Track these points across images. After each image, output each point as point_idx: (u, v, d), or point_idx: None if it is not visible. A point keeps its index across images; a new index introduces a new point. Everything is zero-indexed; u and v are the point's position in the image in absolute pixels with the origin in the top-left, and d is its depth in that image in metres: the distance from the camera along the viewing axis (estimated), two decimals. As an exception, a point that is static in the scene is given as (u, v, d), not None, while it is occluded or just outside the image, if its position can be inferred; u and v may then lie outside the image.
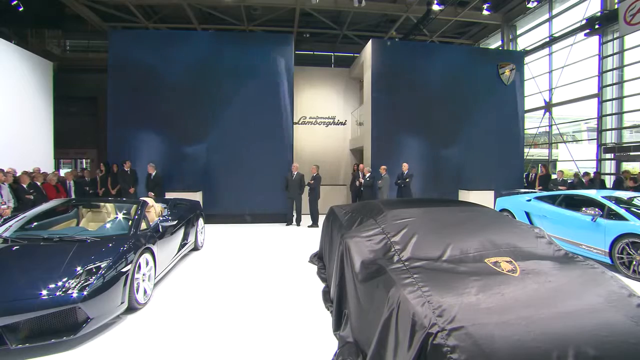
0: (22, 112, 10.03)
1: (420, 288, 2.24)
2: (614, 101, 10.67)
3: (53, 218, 4.71)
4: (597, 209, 5.45)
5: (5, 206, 6.28)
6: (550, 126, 12.99)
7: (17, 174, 7.24)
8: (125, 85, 9.42)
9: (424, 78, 10.68)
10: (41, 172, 8.16)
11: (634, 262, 4.86)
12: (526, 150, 12.04)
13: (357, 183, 9.18)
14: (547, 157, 13.60)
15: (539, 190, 9.01)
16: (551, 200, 6.62)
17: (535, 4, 12.22)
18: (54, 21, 12.51)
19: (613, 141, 10.76)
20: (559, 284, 2.32)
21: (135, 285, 3.64)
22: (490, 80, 11.08)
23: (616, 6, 9.91)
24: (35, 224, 4.34)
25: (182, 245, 5.35)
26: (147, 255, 3.97)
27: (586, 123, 12.80)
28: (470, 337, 1.80)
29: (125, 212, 4.69)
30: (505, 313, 1.99)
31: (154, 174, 8.72)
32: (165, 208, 5.58)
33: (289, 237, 7.94)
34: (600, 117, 10.93)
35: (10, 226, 4.03)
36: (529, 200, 6.98)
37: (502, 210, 7.53)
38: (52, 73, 11.49)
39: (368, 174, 9.26)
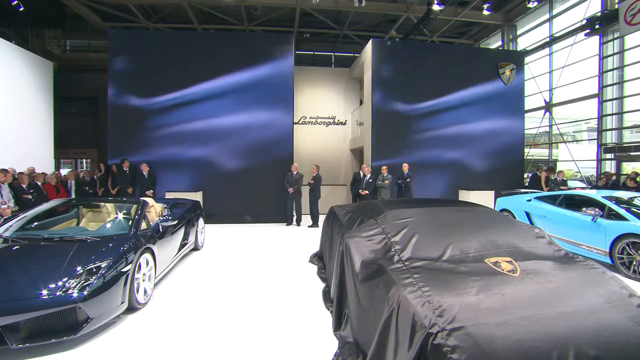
0: (22, 112, 10.03)
1: (420, 288, 2.24)
2: (614, 101, 10.67)
3: (53, 218, 4.71)
4: (597, 209, 5.45)
5: (5, 206, 6.28)
6: (550, 126, 12.98)
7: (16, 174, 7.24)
8: (125, 85, 9.43)
9: (424, 78, 10.68)
10: (35, 172, 8.14)
11: (634, 262, 4.86)
12: (526, 150, 12.04)
13: (363, 193, 9.00)
14: (547, 157, 13.59)
15: (546, 191, 8.94)
16: (551, 200, 6.61)
17: (536, 4, 12.21)
18: (54, 21, 12.50)
19: (613, 141, 10.76)
20: (559, 284, 2.32)
21: (136, 285, 3.64)
22: (490, 80, 11.07)
23: (616, 6, 9.90)
24: (35, 223, 4.34)
25: (182, 245, 5.35)
26: (148, 255, 3.97)
27: (586, 123, 12.79)
28: (471, 337, 1.80)
29: (125, 212, 4.70)
30: (506, 313, 1.99)
31: (147, 172, 8.81)
32: (165, 208, 5.58)
33: (289, 237, 7.94)
34: (601, 117, 10.92)
35: (11, 226, 4.04)
36: (529, 200, 6.98)
37: (502, 210, 7.53)
38: (53, 73, 11.48)
39: (369, 175, 9.22)
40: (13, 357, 2.76)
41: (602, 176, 9.27)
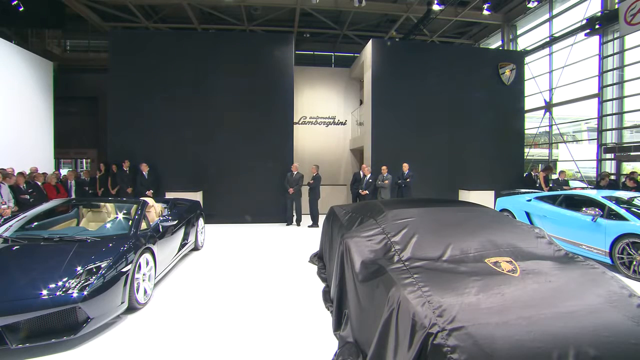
0: (22, 112, 10.03)
1: (420, 288, 2.24)
2: (614, 101, 10.67)
3: (53, 218, 4.71)
4: (597, 209, 5.45)
5: (5, 206, 6.28)
6: (550, 126, 12.98)
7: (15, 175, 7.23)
8: (125, 85, 9.43)
9: (424, 78, 10.68)
10: (38, 171, 8.15)
11: (634, 262, 4.86)
12: (526, 150, 12.04)
13: (363, 193, 9.01)
14: (547, 157, 13.60)
15: (547, 190, 8.94)
16: (551, 200, 6.61)
17: (536, 4, 12.21)
18: (54, 21, 12.50)
19: (613, 141, 10.76)
20: (559, 284, 2.32)
21: (136, 285, 3.64)
22: (490, 80, 11.07)
23: (616, 6, 9.90)
24: (35, 223, 4.35)
25: (182, 245, 5.35)
26: (148, 255, 3.97)
27: (586, 123, 12.78)
28: (471, 337, 1.80)
29: (125, 212, 4.70)
30: (506, 313, 1.99)
31: (147, 172, 8.80)
32: (165, 208, 5.59)
33: (289, 237, 7.94)
34: (601, 117, 10.92)
35: (11, 226, 4.04)
36: (529, 200, 6.98)
37: (502, 210, 7.53)
38: (52, 73, 11.49)
39: (369, 175, 9.23)
40: (13, 357, 2.76)
41: (602, 176, 9.27)
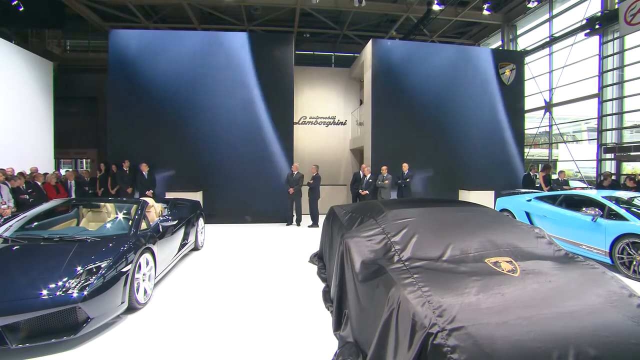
0: (22, 112, 10.03)
1: (420, 288, 2.24)
2: (614, 101, 10.67)
3: (53, 218, 4.71)
4: (597, 209, 5.44)
5: (5, 206, 6.28)
6: (550, 126, 12.98)
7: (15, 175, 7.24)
8: (125, 86, 9.43)
9: (424, 78, 10.68)
10: (38, 171, 8.15)
11: (635, 262, 4.85)
12: (526, 150, 12.04)
13: (363, 193, 9.04)
14: (547, 157, 13.60)
15: (547, 191, 8.94)
16: (551, 200, 6.61)
17: (536, 4, 12.22)
18: (54, 21, 12.50)
19: (613, 141, 10.76)
20: (559, 284, 2.32)
21: (136, 285, 3.64)
22: (490, 80, 11.07)
23: (616, 6, 9.91)
24: (35, 223, 4.35)
25: (182, 245, 5.35)
26: (148, 255, 3.97)
27: (586, 123, 12.79)
28: (471, 337, 1.80)
29: (125, 212, 4.70)
30: (506, 313, 1.99)
31: (146, 172, 8.81)
32: (165, 208, 5.59)
33: (289, 237, 7.94)
34: (601, 117, 10.93)
35: (11, 226, 4.04)
36: (529, 200, 6.98)
37: (502, 210, 7.53)
38: (52, 73, 11.49)
39: (369, 175, 9.23)
40: (13, 357, 2.76)
41: (605, 176, 9.25)
